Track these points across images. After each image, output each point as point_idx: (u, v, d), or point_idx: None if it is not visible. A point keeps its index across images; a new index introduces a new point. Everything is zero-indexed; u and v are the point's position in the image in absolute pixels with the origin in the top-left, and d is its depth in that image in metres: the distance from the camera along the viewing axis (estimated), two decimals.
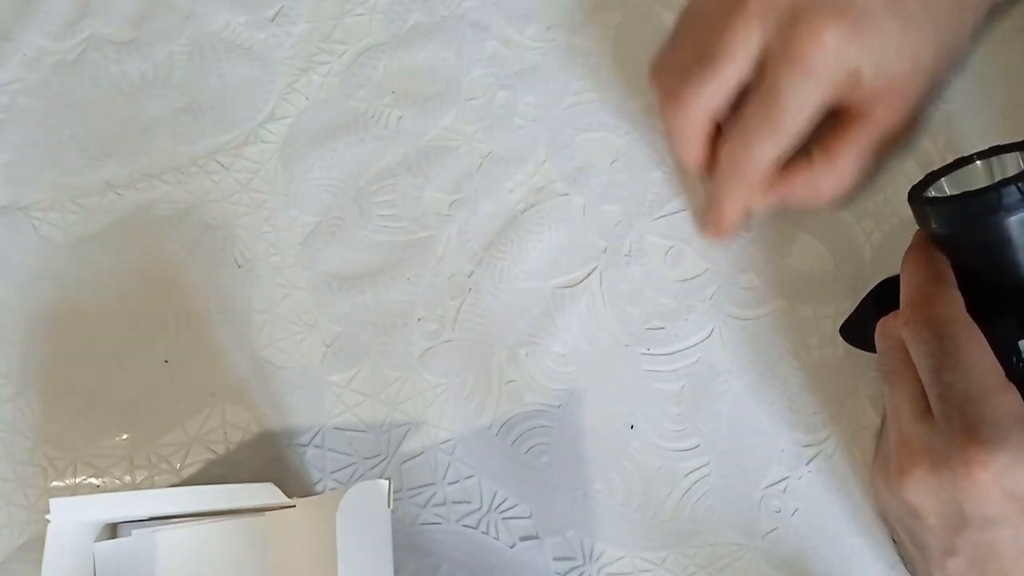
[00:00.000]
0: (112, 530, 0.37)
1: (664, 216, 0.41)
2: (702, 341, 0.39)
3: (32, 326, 0.43)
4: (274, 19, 0.47)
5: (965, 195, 0.30)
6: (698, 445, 0.38)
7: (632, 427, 0.38)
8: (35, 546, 0.39)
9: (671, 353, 0.39)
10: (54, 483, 0.40)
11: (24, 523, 0.40)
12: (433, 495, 0.39)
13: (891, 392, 0.32)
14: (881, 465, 0.33)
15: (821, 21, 0.33)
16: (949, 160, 0.36)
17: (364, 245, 0.42)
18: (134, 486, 0.40)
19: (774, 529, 0.37)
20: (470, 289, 0.41)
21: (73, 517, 0.34)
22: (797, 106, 0.35)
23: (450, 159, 0.43)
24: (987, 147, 0.32)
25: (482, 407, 0.39)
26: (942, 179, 0.33)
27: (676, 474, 0.38)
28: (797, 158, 0.37)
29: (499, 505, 0.38)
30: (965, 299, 0.30)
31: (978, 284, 0.31)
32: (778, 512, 0.37)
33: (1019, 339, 0.29)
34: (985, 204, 0.29)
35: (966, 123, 0.39)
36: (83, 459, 0.41)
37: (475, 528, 0.38)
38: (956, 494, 0.28)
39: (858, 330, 0.36)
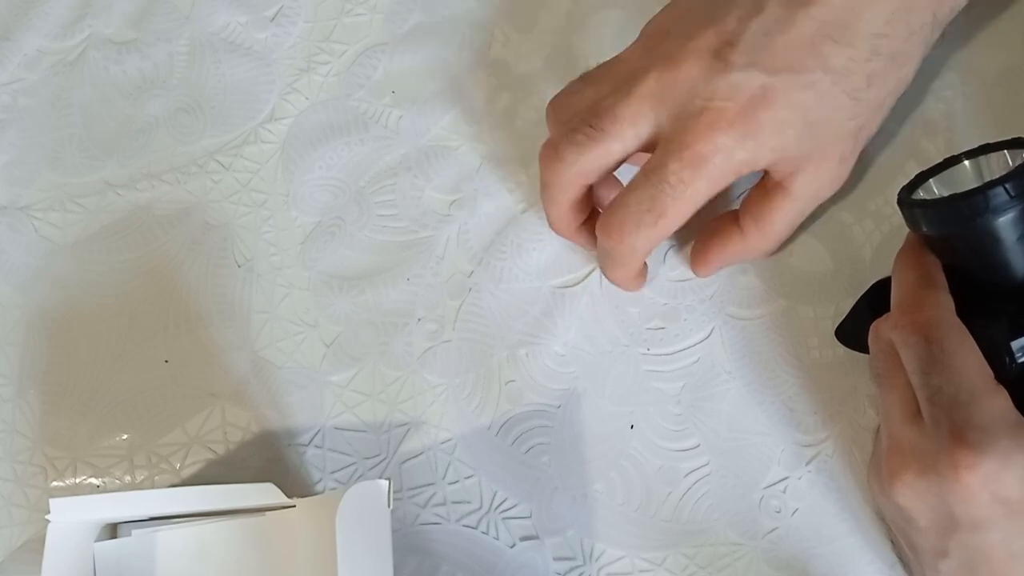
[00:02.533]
0: (112, 530, 0.37)
1: None
2: (702, 341, 0.39)
3: (32, 326, 0.43)
4: (274, 19, 0.47)
5: (953, 198, 0.30)
6: (698, 445, 0.38)
7: (632, 427, 0.38)
8: (35, 546, 0.39)
9: (671, 353, 0.39)
10: (54, 483, 0.40)
11: (24, 523, 0.40)
12: (433, 495, 0.39)
13: (882, 395, 0.32)
14: (875, 467, 0.33)
15: (714, 114, 0.32)
16: None
17: (364, 245, 0.42)
18: (134, 486, 0.40)
19: (774, 529, 0.36)
20: (470, 289, 0.41)
21: (73, 517, 0.34)
22: (683, 198, 0.33)
23: (450, 159, 0.43)
24: (976, 146, 0.32)
25: (482, 407, 0.39)
26: (931, 180, 0.32)
27: (676, 474, 0.38)
28: (724, 220, 0.38)
29: (499, 505, 0.38)
30: (957, 300, 0.30)
31: (970, 285, 0.31)
32: (778, 512, 0.37)
33: (1011, 340, 0.29)
34: (973, 206, 0.29)
35: (966, 123, 0.39)
36: (83, 459, 0.41)
37: (475, 528, 0.38)
38: (945, 497, 0.28)
39: (853, 332, 0.36)
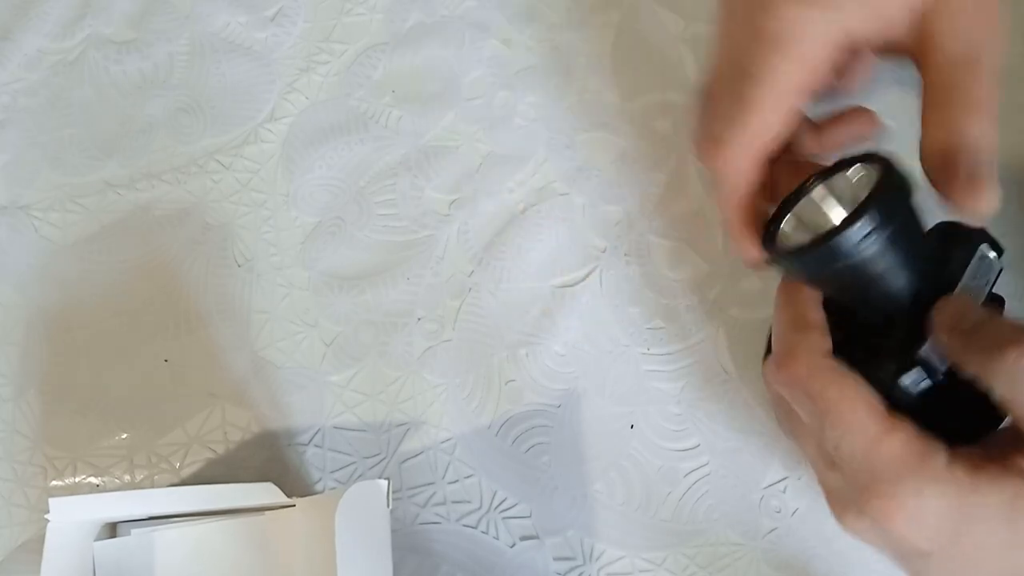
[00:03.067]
0: (112, 530, 0.37)
1: (665, 216, 0.41)
2: (702, 341, 0.39)
3: (32, 326, 0.43)
4: (274, 19, 0.47)
5: (809, 246, 0.28)
6: (698, 445, 0.38)
7: (632, 427, 0.38)
8: (35, 546, 0.39)
9: (671, 353, 0.39)
10: (54, 483, 0.40)
11: (24, 523, 0.40)
12: (433, 495, 0.39)
13: (796, 441, 0.32)
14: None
15: None
16: None
17: (364, 245, 0.42)
18: (134, 486, 0.40)
19: (774, 529, 0.36)
20: (470, 289, 0.41)
21: (73, 517, 0.34)
22: (766, 82, 0.31)
23: (450, 159, 0.43)
24: (831, 164, 0.30)
25: (482, 407, 0.39)
26: (792, 212, 0.31)
27: (676, 474, 0.38)
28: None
29: (499, 505, 0.38)
30: (843, 332, 0.29)
31: (852, 315, 0.30)
32: (778, 512, 0.37)
33: (898, 377, 0.28)
34: (832, 253, 0.27)
35: None
36: (83, 459, 0.41)
37: (475, 528, 0.38)
38: (886, 536, 0.27)
39: None
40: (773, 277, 0.39)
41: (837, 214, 0.30)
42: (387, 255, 0.42)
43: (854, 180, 0.30)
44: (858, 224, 0.27)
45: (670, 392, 0.39)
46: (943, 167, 0.29)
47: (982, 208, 0.29)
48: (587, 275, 0.40)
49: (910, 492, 0.26)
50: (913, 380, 0.28)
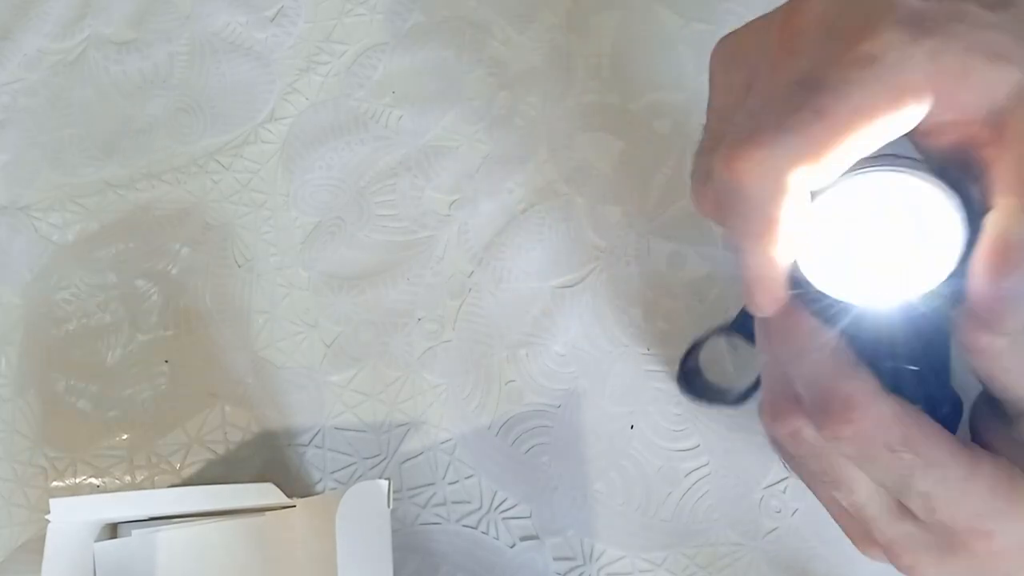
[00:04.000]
0: (112, 530, 0.37)
1: (665, 217, 0.41)
2: (702, 341, 0.39)
3: (32, 326, 0.43)
4: (274, 19, 0.47)
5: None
6: (698, 445, 0.38)
7: (632, 427, 0.38)
8: (35, 546, 0.39)
9: (671, 353, 0.39)
10: (54, 483, 0.40)
11: (24, 523, 0.40)
12: (433, 495, 0.39)
13: (846, 495, 0.27)
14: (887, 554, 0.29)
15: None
16: None
17: (364, 245, 0.42)
18: (134, 486, 0.40)
19: (774, 529, 0.36)
20: (470, 289, 0.41)
21: (73, 517, 0.34)
22: (850, 99, 0.23)
23: (450, 159, 0.43)
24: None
25: (482, 407, 0.39)
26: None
27: (676, 474, 0.38)
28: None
29: (499, 505, 0.38)
30: None
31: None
32: (778, 512, 0.37)
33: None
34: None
35: None
36: (83, 459, 0.41)
37: (475, 528, 0.38)
38: (973, 573, 0.26)
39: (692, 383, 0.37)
40: None
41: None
42: (387, 255, 0.42)
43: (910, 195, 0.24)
44: (937, 296, 0.23)
45: (670, 392, 0.39)
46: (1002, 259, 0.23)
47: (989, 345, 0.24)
48: (587, 275, 0.40)
49: (1010, 515, 0.24)
50: (948, 419, 0.26)
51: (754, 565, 0.36)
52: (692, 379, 0.37)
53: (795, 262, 0.25)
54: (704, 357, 0.38)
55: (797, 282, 0.25)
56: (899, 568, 0.27)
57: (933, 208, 0.23)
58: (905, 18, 0.23)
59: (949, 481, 0.24)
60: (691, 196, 0.27)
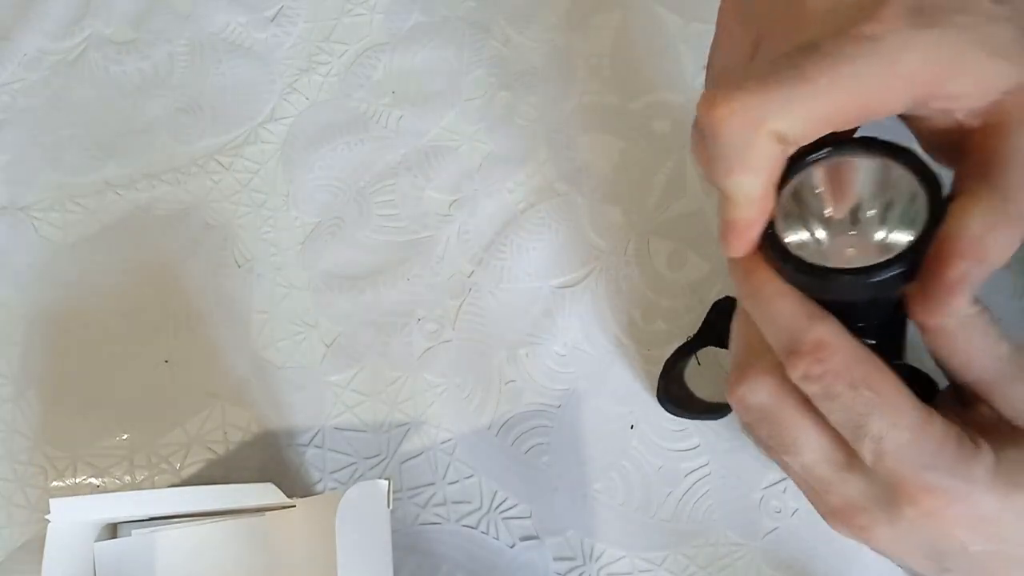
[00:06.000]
0: (112, 530, 0.37)
1: (665, 217, 0.41)
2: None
3: (32, 326, 0.43)
4: (274, 19, 0.47)
5: (816, 271, 0.25)
6: (698, 445, 0.38)
7: (632, 427, 0.38)
8: (35, 546, 0.39)
9: (671, 353, 0.39)
10: (54, 483, 0.40)
11: (24, 523, 0.40)
12: (433, 495, 0.39)
13: (792, 456, 0.28)
14: (831, 519, 0.29)
15: None
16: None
17: (364, 245, 0.42)
18: (134, 486, 0.40)
19: (774, 529, 0.36)
20: (470, 289, 0.41)
21: (73, 517, 0.34)
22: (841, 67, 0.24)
23: (450, 159, 0.43)
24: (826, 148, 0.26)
25: (482, 407, 0.39)
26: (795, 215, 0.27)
27: (676, 474, 0.38)
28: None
29: (499, 505, 0.38)
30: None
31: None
32: (778, 512, 0.37)
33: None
34: (866, 287, 0.24)
35: None
36: (83, 459, 0.41)
37: (475, 528, 0.38)
38: (926, 538, 0.26)
39: (680, 394, 0.37)
40: None
41: (868, 227, 0.26)
42: (387, 255, 0.42)
43: (886, 181, 0.26)
44: (895, 268, 0.24)
45: None
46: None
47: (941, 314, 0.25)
48: (587, 275, 0.40)
49: (960, 476, 0.24)
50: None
51: (754, 565, 0.36)
52: (674, 395, 0.37)
53: (770, 223, 0.26)
54: (686, 372, 0.38)
55: (772, 242, 0.26)
56: (855, 533, 0.27)
57: (902, 192, 0.25)
58: (912, 5, 0.24)
59: (901, 426, 0.25)
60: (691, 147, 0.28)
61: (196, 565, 0.36)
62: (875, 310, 0.27)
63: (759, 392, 0.27)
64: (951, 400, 0.27)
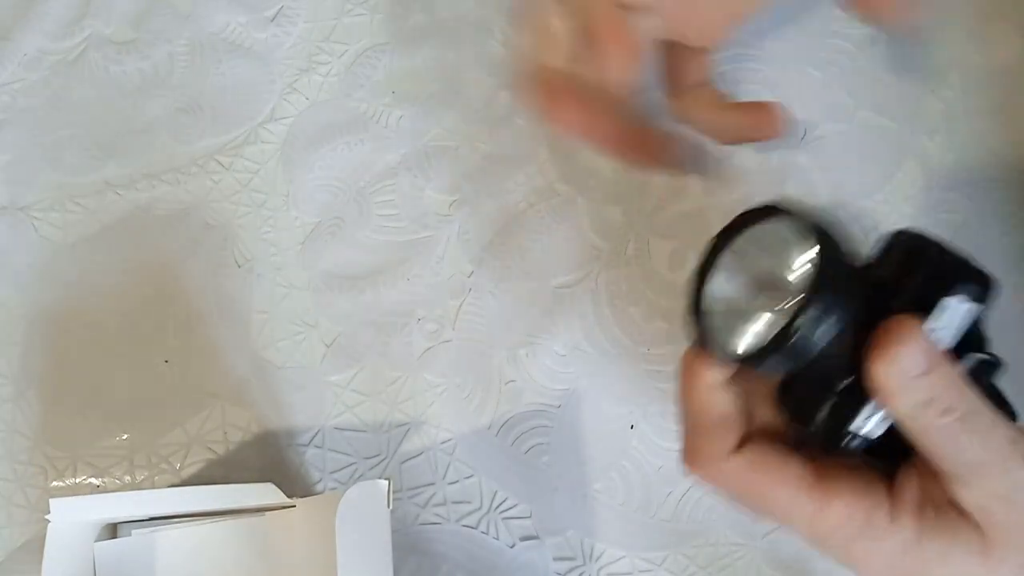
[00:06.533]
0: (112, 530, 0.37)
1: (665, 217, 0.41)
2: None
3: (32, 326, 0.43)
4: (274, 19, 0.47)
5: (771, 349, 0.26)
6: None
7: (632, 427, 0.38)
8: (35, 546, 0.39)
9: (671, 353, 0.39)
10: (54, 483, 0.40)
11: (24, 523, 0.40)
12: (433, 495, 0.39)
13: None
14: None
15: None
16: (948, 160, 0.36)
17: (364, 245, 0.42)
18: (134, 486, 0.40)
19: (774, 529, 0.36)
20: (470, 289, 0.41)
21: (73, 517, 0.34)
22: None
23: (450, 159, 0.43)
24: (724, 226, 0.28)
25: (482, 407, 0.39)
26: (709, 274, 0.28)
27: (676, 474, 0.38)
28: None
29: (499, 505, 0.38)
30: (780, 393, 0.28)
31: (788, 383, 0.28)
32: None
33: (846, 426, 0.27)
34: (797, 351, 0.25)
35: (965, 123, 0.39)
36: (83, 459, 0.41)
37: (475, 528, 0.38)
38: None
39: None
40: None
41: (767, 270, 0.27)
42: (387, 255, 0.42)
43: (759, 237, 0.27)
44: (812, 329, 0.25)
45: (670, 392, 0.39)
46: None
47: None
48: (587, 275, 0.40)
49: (861, 553, 0.27)
50: (848, 450, 0.27)
51: (754, 565, 0.36)
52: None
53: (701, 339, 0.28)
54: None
55: (701, 331, 0.28)
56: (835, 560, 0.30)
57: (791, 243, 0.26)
58: None
59: (794, 521, 0.27)
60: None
61: (196, 565, 0.36)
62: (827, 364, 0.26)
63: (710, 479, 0.29)
64: (920, 467, 0.27)
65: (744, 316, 0.27)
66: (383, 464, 0.39)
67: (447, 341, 0.40)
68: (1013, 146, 0.38)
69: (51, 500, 0.33)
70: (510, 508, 0.38)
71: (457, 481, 0.39)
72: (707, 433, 0.28)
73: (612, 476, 0.38)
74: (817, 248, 0.25)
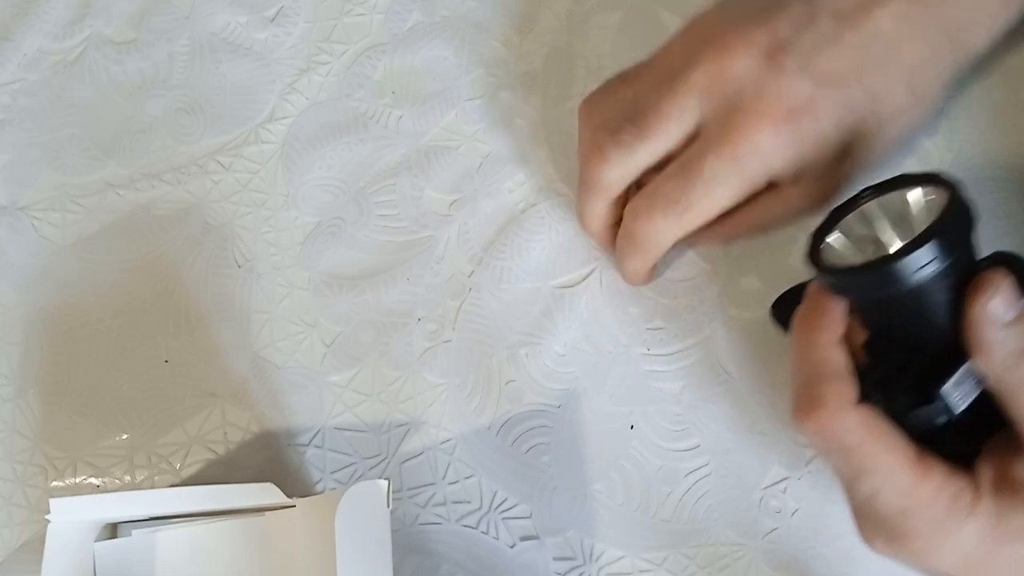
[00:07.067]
0: (112, 530, 0.37)
1: None
2: (702, 341, 0.39)
3: (32, 326, 0.43)
4: (274, 19, 0.47)
5: (869, 266, 0.27)
6: (698, 445, 0.38)
7: (632, 427, 0.38)
8: (35, 546, 0.39)
9: (671, 353, 0.39)
10: (54, 483, 0.40)
11: (24, 523, 0.40)
12: (433, 495, 0.39)
13: (832, 471, 0.32)
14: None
15: (760, 114, 0.32)
16: (948, 160, 0.36)
17: (364, 245, 0.42)
18: (134, 486, 0.40)
19: (774, 529, 0.36)
20: (470, 289, 0.41)
21: (73, 517, 0.34)
22: (715, 193, 0.33)
23: (450, 159, 0.43)
24: (886, 179, 0.30)
25: (482, 407, 0.39)
26: (837, 227, 0.30)
27: (676, 474, 0.38)
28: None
29: (499, 505, 0.38)
30: (865, 356, 0.29)
31: (876, 339, 0.29)
32: (778, 512, 0.37)
33: (913, 411, 0.27)
34: (894, 275, 0.26)
35: (965, 123, 0.39)
36: (83, 459, 0.41)
37: (475, 528, 0.38)
38: (918, 565, 0.29)
39: (784, 310, 0.36)
40: (773, 276, 0.39)
41: (889, 236, 0.29)
42: (387, 255, 0.42)
43: (914, 201, 0.29)
44: (919, 252, 0.26)
45: (670, 392, 0.39)
46: None
47: None
48: (587, 275, 0.40)
49: (944, 534, 0.27)
50: (927, 416, 0.27)
51: (754, 565, 0.36)
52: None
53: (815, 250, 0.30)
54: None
55: (824, 270, 0.29)
56: (864, 540, 0.30)
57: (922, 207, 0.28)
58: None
59: (889, 490, 0.27)
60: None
61: (196, 565, 0.36)
62: (922, 321, 0.28)
63: (827, 428, 0.29)
64: (1002, 446, 0.28)
65: (862, 253, 0.29)
66: (383, 464, 0.39)
67: (447, 341, 0.40)
68: (1013, 146, 0.38)
69: (51, 500, 0.33)
70: (510, 508, 0.38)
71: (457, 481, 0.39)
72: (831, 382, 0.28)
73: (612, 476, 0.38)
74: (947, 196, 0.27)
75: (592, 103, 0.37)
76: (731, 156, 0.33)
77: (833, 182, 0.35)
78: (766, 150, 0.33)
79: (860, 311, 0.29)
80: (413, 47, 0.45)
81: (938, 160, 0.39)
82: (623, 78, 0.37)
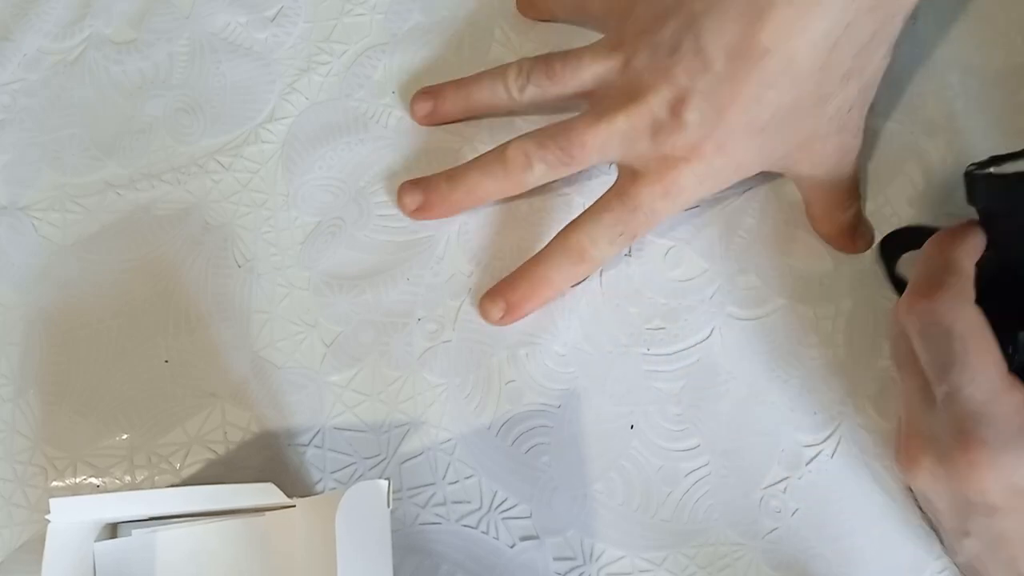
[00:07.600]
0: (112, 530, 0.37)
1: None
2: (702, 341, 0.39)
3: (32, 326, 0.43)
4: (274, 19, 0.47)
5: (1018, 174, 0.30)
6: (698, 445, 0.38)
7: (632, 427, 0.38)
8: (35, 546, 0.39)
9: (671, 353, 0.39)
10: (54, 483, 0.40)
11: (24, 523, 0.40)
12: (433, 495, 0.39)
13: (902, 376, 0.33)
14: (898, 444, 0.34)
15: (676, 160, 0.36)
16: (948, 160, 0.36)
17: (364, 245, 0.42)
18: (134, 486, 0.40)
19: (774, 529, 0.37)
20: (470, 289, 0.41)
21: (73, 517, 0.34)
22: (652, 223, 0.38)
23: (450, 159, 0.43)
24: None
25: (482, 407, 0.39)
26: (1005, 164, 0.32)
27: (676, 474, 0.38)
28: None
29: (499, 505, 0.38)
30: (987, 281, 0.30)
31: (1008, 268, 0.30)
32: (778, 512, 0.37)
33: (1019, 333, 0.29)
34: None
35: (965, 123, 0.39)
36: (83, 459, 0.41)
37: (475, 528, 0.38)
38: (961, 486, 0.28)
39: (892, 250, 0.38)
40: (774, 277, 0.39)
41: None
42: (387, 255, 0.42)
43: None
44: None
45: (670, 392, 0.39)
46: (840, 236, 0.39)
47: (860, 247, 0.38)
48: (587, 275, 0.40)
49: (1012, 452, 0.27)
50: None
51: (754, 565, 0.36)
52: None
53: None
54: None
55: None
56: (904, 454, 0.31)
57: None
58: None
59: (980, 386, 0.28)
60: None
61: (196, 565, 0.36)
62: None
63: (945, 311, 0.30)
64: None
65: None
66: (383, 464, 0.39)
67: (447, 341, 0.40)
68: (1013, 147, 0.38)
69: (51, 500, 0.33)
70: (510, 508, 0.38)
71: (457, 481, 0.39)
72: (958, 276, 0.30)
73: (612, 476, 0.38)
74: None
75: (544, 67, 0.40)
76: (663, 195, 0.37)
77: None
78: (690, 187, 0.37)
79: (999, 241, 0.31)
80: (413, 47, 0.45)
81: (938, 160, 0.39)
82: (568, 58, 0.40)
